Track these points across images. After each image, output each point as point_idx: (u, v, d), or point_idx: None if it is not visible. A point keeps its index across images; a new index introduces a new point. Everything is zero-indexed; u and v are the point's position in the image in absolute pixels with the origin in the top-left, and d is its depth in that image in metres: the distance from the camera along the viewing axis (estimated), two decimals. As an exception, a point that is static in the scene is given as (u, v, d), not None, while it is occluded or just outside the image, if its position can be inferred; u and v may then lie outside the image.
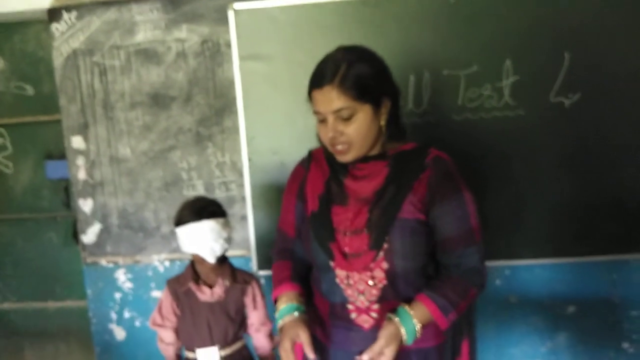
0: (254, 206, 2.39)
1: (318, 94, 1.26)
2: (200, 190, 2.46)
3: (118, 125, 2.45)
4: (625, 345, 2.41)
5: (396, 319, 1.25)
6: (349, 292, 1.34)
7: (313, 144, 2.26)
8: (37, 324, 3.10)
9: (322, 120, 1.30)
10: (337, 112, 1.23)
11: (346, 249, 1.32)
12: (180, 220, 1.73)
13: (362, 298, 1.33)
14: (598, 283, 2.36)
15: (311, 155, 1.51)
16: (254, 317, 1.86)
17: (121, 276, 2.59)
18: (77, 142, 2.49)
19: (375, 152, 1.34)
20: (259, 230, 2.39)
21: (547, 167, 2.23)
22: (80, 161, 2.51)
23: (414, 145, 1.38)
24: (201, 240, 1.69)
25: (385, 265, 1.29)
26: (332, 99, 1.22)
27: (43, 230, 3.00)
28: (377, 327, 1.30)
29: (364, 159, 1.33)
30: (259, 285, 1.90)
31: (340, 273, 1.34)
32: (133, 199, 2.51)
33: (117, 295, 2.61)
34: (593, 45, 2.13)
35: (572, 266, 2.34)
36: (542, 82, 2.17)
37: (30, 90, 2.80)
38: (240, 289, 1.83)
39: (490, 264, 2.33)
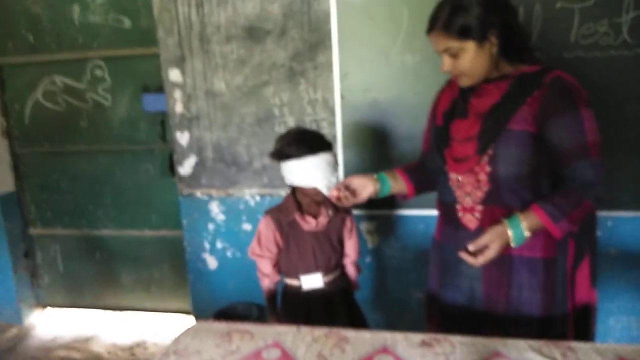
0: (345, 145, 2.38)
1: (430, 37, 1.46)
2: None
3: (214, 59, 2.47)
4: None
5: (505, 221, 1.39)
6: (458, 192, 1.54)
7: (408, 82, 2.23)
8: (134, 250, 3.21)
9: None
10: (445, 51, 1.43)
11: (457, 155, 1.52)
12: (291, 154, 1.66)
13: (468, 199, 1.51)
14: None
15: (450, 81, 1.65)
16: (349, 246, 1.92)
17: (214, 208, 2.66)
18: (174, 75, 2.53)
19: (496, 74, 1.47)
20: (349, 171, 2.36)
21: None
22: (178, 94, 2.55)
23: (538, 67, 1.46)
24: (318, 173, 1.65)
25: (488, 169, 1.45)
26: (439, 41, 1.43)
27: (140, 162, 3.03)
28: (481, 228, 1.47)
29: (487, 81, 1.48)
30: (354, 218, 1.94)
31: (452, 176, 1.54)
32: (227, 133, 2.55)
33: (211, 226, 2.69)
34: None
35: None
36: (666, 19, 1.99)
37: (127, 23, 2.80)
38: (341, 218, 1.87)
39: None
